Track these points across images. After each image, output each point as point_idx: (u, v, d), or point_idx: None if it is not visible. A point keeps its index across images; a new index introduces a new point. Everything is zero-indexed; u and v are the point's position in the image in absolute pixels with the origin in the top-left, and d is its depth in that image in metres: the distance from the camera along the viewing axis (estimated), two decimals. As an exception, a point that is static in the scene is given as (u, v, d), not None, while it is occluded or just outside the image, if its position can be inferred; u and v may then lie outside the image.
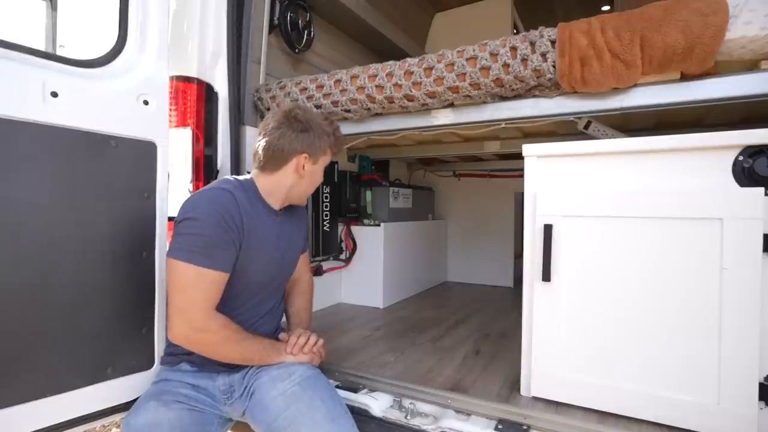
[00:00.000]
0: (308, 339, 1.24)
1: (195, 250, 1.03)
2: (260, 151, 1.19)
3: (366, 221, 2.44)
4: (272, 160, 1.18)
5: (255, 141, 1.22)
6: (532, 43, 1.19)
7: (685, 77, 1.11)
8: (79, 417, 1.09)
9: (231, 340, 1.09)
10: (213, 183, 1.18)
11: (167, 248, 1.18)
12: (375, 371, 1.42)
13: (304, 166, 1.19)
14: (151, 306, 1.24)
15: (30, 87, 1.00)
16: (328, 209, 2.17)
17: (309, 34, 2.07)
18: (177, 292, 1.05)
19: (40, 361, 1.02)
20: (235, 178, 1.20)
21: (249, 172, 1.27)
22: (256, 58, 1.71)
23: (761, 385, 0.96)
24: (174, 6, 1.33)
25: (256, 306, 1.23)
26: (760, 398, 0.96)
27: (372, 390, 1.34)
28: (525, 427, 1.12)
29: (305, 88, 1.60)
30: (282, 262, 1.28)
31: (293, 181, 1.21)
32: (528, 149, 1.21)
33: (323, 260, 2.25)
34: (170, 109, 1.33)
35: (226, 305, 1.12)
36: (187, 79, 1.39)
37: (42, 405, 1.01)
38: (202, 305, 1.05)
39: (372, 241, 2.38)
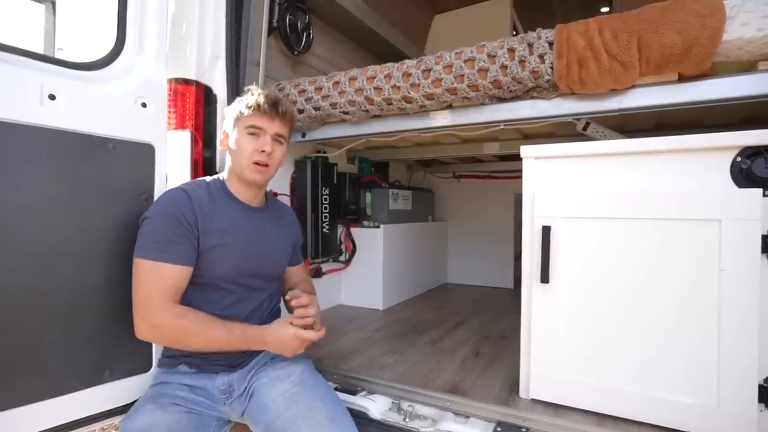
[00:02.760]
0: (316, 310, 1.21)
1: (150, 246, 1.07)
2: None
3: (366, 223, 2.44)
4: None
5: None
6: (530, 45, 1.19)
7: (682, 78, 1.11)
8: (76, 420, 1.09)
9: (191, 331, 1.05)
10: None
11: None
12: (374, 373, 1.42)
13: (226, 138, 1.22)
14: (149, 308, 1.24)
15: (28, 90, 1.00)
16: (327, 211, 2.17)
17: (308, 36, 2.07)
18: (135, 288, 1.07)
19: (38, 364, 1.02)
20: (203, 179, 1.25)
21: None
22: (255, 60, 1.71)
23: (761, 387, 0.96)
24: (173, 8, 1.33)
25: (236, 304, 1.20)
26: (760, 400, 0.96)
27: (371, 392, 1.34)
28: (524, 430, 1.12)
29: (304, 90, 1.60)
30: (261, 257, 1.25)
31: (229, 159, 1.23)
32: (526, 151, 1.21)
33: (323, 262, 2.25)
34: (169, 112, 1.33)
35: (203, 301, 1.13)
36: (185, 82, 1.39)
37: (39, 408, 1.01)
38: (156, 298, 1.04)
39: (372, 242, 2.38)
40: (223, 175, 1.26)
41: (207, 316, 1.09)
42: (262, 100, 1.18)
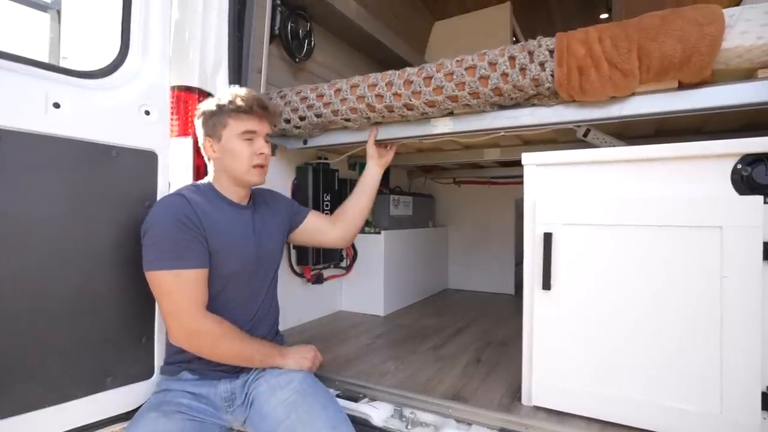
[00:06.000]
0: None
1: (164, 257, 1.07)
2: None
3: (366, 229, 2.44)
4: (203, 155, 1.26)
5: None
6: (531, 53, 1.20)
7: (682, 86, 1.12)
8: (78, 427, 1.09)
9: (228, 336, 1.11)
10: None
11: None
12: (375, 380, 1.41)
13: (212, 147, 1.21)
14: (151, 315, 1.24)
15: (32, 98, 1.01)
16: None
17: (309, 43, 2.09)
18: (163, 298, 1.08)
19: (40, 371, 1.02)
20: (193, 183, 1.25)
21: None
22: (257, 68, 1.72)
23: (764, 395, 0.96)
24: (176, 16, 1.35)
25: (242, 306, 1.22)
26: (763, 408, 0.96)
27: (372, 399, 1.33)
28: (526, 437, 1.11)
29: (305, 97, 1.61)
30: (259, 253, 1.27)
31: (219, 164, 1.23)
32: (527, 158, 1.21)
33: (324, 268, 2.25)
34: (171, 119, 1.34)
35: (211, 305, 1.13)
36: (188, 89, 1.39)
37: (41, 415, 1.01)
38: (190, 305, 1.07)
39: (372, 248, 2.38)
40: (208, 179, 1.26)
41: (236, 327, 1.14)
42: (252, 102, 1.17)
